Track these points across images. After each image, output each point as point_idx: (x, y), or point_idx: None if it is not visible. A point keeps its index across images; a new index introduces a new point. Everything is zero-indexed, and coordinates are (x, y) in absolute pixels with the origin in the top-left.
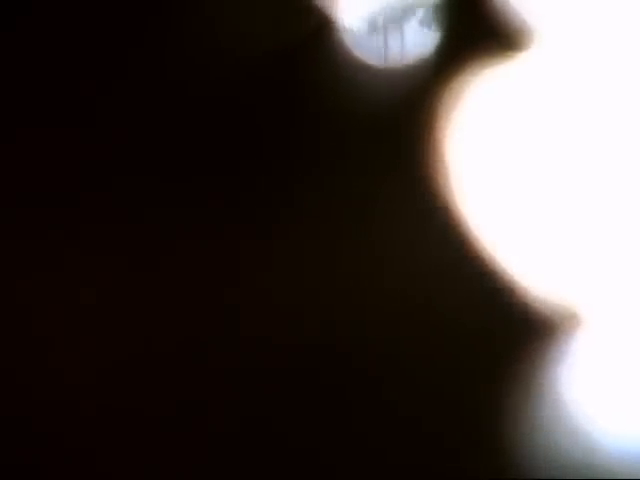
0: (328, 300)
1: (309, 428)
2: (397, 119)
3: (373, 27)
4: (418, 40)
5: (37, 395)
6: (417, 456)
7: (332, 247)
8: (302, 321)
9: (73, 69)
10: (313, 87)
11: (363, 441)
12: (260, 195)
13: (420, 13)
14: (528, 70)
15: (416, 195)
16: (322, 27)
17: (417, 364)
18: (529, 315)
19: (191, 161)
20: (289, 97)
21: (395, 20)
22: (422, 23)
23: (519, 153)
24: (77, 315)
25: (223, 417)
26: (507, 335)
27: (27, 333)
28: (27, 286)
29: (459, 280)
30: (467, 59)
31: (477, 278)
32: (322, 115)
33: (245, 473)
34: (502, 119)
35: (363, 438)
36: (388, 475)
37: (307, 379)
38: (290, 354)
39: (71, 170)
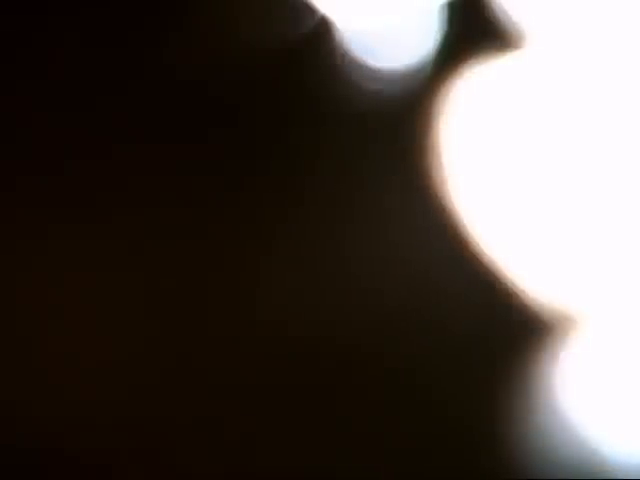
0: (328, 300)
1: (307, 427)
2: (396, 119)
3: (372, 28)
4: (417, 41)
5: (37, 395)
6: (415, 456)
7: (331, 247)
8: (302, 322)
9: (75, 68)
10: (312, 87)
11: (362, 441)
12: (259, 195)
13: (419, 14)
14: (527, 71)
15: (415, 195)
16: (322, 27)
17: (415, 365)
18: (527, 317)
19: (190, 161)
20: (288, 97)
21: (394, 21)
22: (421, 24)
23: (518, 153)
24: (78, 314)
25: (224, 415)
26: (505, 337)
27: (27, 333)
28: (27, 286)
29: (457, 281)
30: (466, 60)
31: (475, 279)
32: (321, 115)
33: (245, 473)
34: (501, 120)
35: (361, 438)
36: (387, 475)
37: (306, 378)
38: (289, 354)
39: (71, 168)
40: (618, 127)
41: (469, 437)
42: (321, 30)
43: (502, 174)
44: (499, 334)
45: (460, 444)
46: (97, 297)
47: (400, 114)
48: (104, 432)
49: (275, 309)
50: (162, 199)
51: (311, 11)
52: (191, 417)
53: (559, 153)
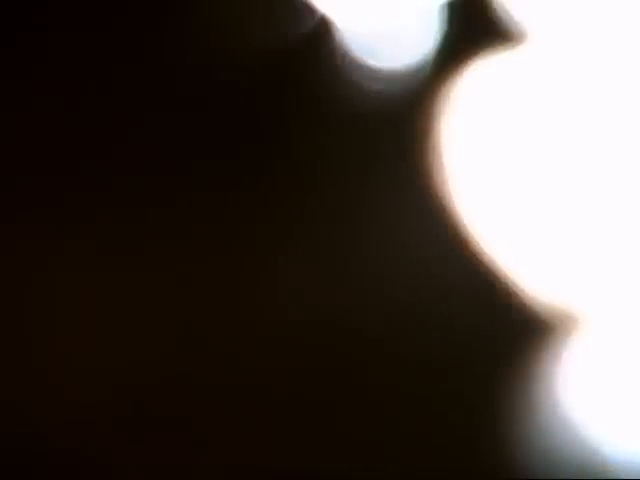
0: (328, 299)
1: (307, 426)
2: (397, 119)
3: (372, 28)
4: (417, 41)
5: (37, 395)
6: (415, 456)
7: (332, 247)
8: (303, 320)
9: (73, 67)
10: (313, 87)
11: (362, 440)
12: (259, 195)
13: (419, 14)
14: (527, 70)
15: (416, 195)
16: (322, 27)
17: (415, 365)
18: (528, 316)
19: (189, 161)
20: (288, 97)
21: (394, 21)
22: (421, 24)
23: (518, 153)
24: (78, 314)
25: (224, 415)
26: (506, 336)
27: (27, 333)
28: (27, 286)
29: (457, 281)
30: (466, 60)
31: (476, 279)
32: (322, 115)
33: (245, 473)
34: (501, 119)
35: (361, 437)
36: (386, 474)
37: (307, 376)
38: (290, 353)
39: (71, 167)
40: (619, 127)
41: (470, 437)
42: (321, 30)
43: (503, 173)
44: (500, 334)
45: (461, 444)
46: (97, 297)
47: (401, 114)
48: (104, 432)
49: (277, 308)
50: (163, 198)
51: (311, 11)
52: (191, 417)
53: (560, 152)
